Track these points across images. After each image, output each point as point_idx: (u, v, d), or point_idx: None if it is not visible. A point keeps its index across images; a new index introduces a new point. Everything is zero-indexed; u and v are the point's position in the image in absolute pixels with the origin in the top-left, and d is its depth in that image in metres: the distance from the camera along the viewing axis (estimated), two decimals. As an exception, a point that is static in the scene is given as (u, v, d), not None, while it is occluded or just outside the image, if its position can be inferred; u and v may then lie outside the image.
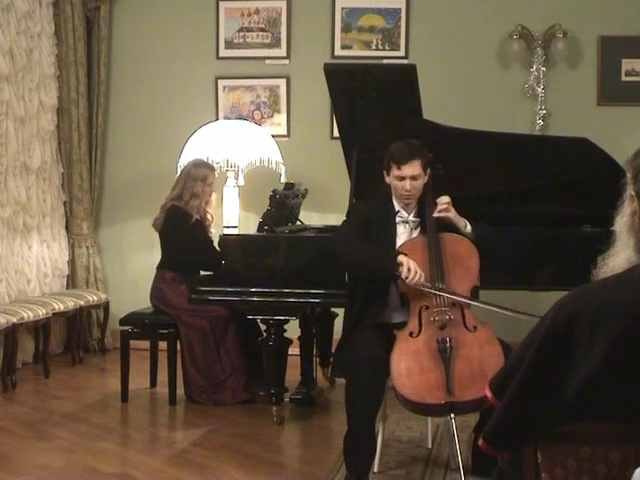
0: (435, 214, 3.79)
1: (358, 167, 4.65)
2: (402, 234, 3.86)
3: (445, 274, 3.66)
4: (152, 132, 6.71)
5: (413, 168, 3.75)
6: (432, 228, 3.76)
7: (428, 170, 3.83)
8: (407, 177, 3.76)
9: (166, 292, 5.21)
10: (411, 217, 3.87)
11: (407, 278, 3.60)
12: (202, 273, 5.19)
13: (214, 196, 5.45)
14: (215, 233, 5.30)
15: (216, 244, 4.84)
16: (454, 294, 3.62)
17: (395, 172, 3.78)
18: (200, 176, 5.27)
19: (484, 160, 4.68)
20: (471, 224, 3.82)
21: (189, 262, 5.22)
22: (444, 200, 3.81)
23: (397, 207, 3.87)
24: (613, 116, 6.25)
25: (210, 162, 5.76)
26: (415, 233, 3.87)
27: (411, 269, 3.60)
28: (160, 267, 5.32)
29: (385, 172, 3.84)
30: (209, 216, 5.38)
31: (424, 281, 3.61)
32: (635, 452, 1.87)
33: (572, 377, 1.86)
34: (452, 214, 3.80)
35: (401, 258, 3.64)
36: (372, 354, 3.52)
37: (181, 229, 5.20)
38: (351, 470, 3.60)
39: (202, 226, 5.30)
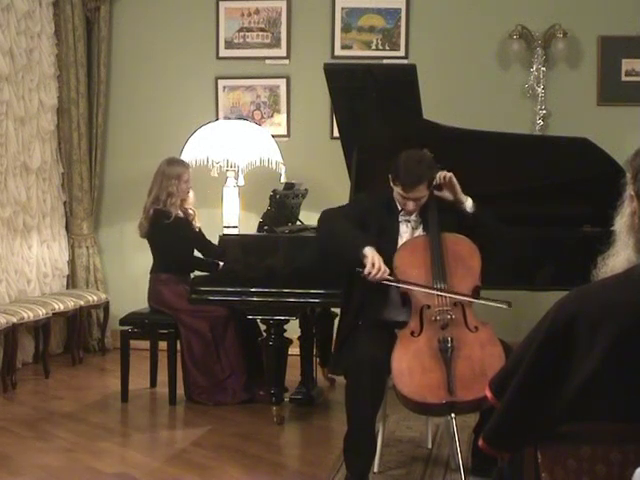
0: (436, 193, 3.81)
1: (358, 167, 4.65)
2: (404, 233, 3.86)
3: (447, 274, 3.66)
4: (152, 132, 6.71)
5: (418, 192, 3.74)
6: (434, 228, 3.76)
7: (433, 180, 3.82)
8: (411, 199, 3.76)
9: (164, 294, 5.21)
10: (413, 217, 3.87)
11: (369, 274, 3.59)
12: (198, 273, 5.20)
13: (192, 193, 5.43)
14: (215, 233, 5.30)
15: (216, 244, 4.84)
16: (404, 283, 3.62)
17: (399, 191, 3.76)
18: (174, 174, 5.27)
19: (484, 160, 4.67)
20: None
21: (180, 260, 5.25)
22: (442, 174, 3.83)
23: (399, 206, 3.87)
24: (613, 116, 6.25)
25: (210, 162, 5.77)
26: (417, 232, 3.86)
27: (375, 265, 3.59)
28: (153, 271, 5.32)
29: (390, 176, 3.82)
30: (190, 211, 5.38)
31: (388, 275, 3.61)
32: (635, 452, 1.87)
33: (572, 377, 1.86)
34: (450, 177, 3.81)
35: (367, 251, 3.62)
36: (372, 354, 3.52)
37: (164, 229, 5.20)
38: (351, 470, 3.59)
39: (184, 222, 5.30)
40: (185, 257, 5.32)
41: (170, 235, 5.22)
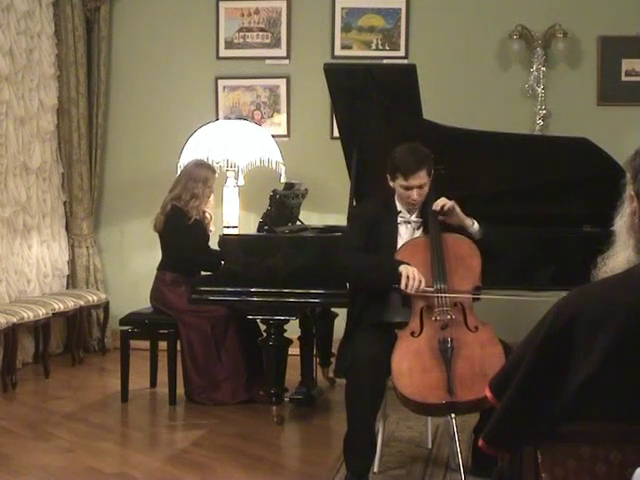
0: (440, 218, 3.79)
1: (358, 167, 4.65)
2: (404, 234, 3.86)
3: (447, 274, 3.65)
4: (152, 132, 6.71)
5: (420, 178, 3.74)
6: (434, 228, 3.76)
7: (432, 172, 3.82)
8: (414, 187, 3.76)
9: (166, 294, 5.21)
10: (413, 217, 3.87)
11: (407, 287, 3.58)
12: (202, 273, 5.19)
13: (212, 197, 5.44)
14: (215, 233, 5.30)
15: (216, 244, 4.84)
16: (455, 292, 3.61)
17: (401, 182, 3.76)
18: (202, 177, 5.27)
19: (484, 160, 4.68)
20: (479, 223, 3.82)
21: (189, 262, 5.22)
22: (439, 203, 3.80)
23: (399, 207, 3.87)
24: (613, 116, 6.25)
25: (210, 162, 5.77)
26: (417, 233, 3.86)
27: (410, 276, 3.58)
28: (160, 268, 5.32)
29: (389, 176, 3.83)
30: (207, 215, 5.39)
31: (425, 286, 3.59)
32: (635, 452, 1.87)
33: (572, 377, 1.86)
34: (452, 207, 3.79)
35: (401, 268, 3.62)
36: (372, 354, 3.52)
37: (181, 229, 5.21)
38: (351, 470, 3.60)
39: (202, 226, 5.31)
40: (195, 259, 5.27)
41: (185, 236, 5.21)
